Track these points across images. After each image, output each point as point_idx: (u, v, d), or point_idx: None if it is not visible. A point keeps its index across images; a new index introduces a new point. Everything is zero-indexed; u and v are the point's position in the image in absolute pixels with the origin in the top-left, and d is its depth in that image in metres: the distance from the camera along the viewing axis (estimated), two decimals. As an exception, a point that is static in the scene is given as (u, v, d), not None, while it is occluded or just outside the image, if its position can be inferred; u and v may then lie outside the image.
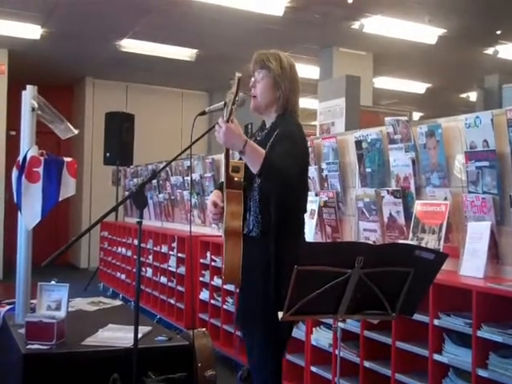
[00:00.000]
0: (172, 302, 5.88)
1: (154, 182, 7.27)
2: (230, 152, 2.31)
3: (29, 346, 2.82)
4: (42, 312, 3.04)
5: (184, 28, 7.65)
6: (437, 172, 3.16)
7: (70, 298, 3.14)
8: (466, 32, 7.51)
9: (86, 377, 2.76)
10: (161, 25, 7.56)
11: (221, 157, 3.88)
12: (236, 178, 2.34)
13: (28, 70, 9.23)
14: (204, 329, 3.64)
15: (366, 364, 3.13)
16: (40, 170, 3.35)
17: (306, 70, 8.50)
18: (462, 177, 3.04)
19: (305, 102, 9.75)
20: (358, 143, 3.70)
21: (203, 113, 2.31)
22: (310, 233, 3.92)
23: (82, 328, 3.17)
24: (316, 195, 4.06)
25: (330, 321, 3.26)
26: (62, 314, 3.01)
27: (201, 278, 5.20)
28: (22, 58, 8.96)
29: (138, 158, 8.71)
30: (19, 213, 3.41)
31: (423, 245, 3.04)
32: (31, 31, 7.83)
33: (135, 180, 8.25)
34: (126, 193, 8.58)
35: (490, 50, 8.20)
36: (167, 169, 6.77)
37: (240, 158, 2.32)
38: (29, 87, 3.51)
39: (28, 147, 3.43)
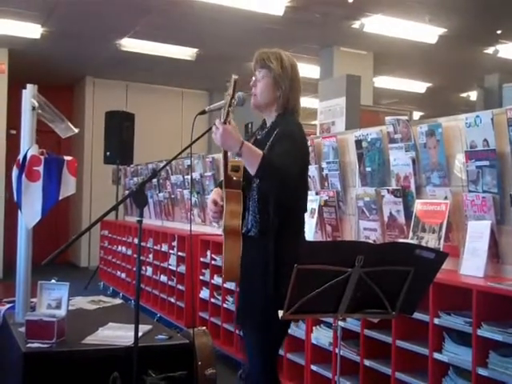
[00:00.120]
0: (172, 300, 5.88)
1: (155, 180, 7.27)
2: (229, 152, 2.32)
3: (29, 345, 2.82)
4: (42, 311, 3.03)
5: (184, 27, 7.65)
6: (437, 171, 3.16)
7: (70, 296, 3.13)
8: (466, 31, 7.51)
9: (87, 375, 2.76)
10: (161, 24, 7.56)
11: (221, 156, 3.89)
12: (235, 178, 2.35)
13: (28, 69, 9.23)
14: (204, 327, 3.64)
15: (366, 363, 3.13)
16: (40, 168, 3.35)
17: (307, 70, 8.49)
18: (462, 176, 3.04)
19: (305, 102, 9.73)
20: (359, 142, 3.70)
21: (203, 112, 2.32)
22: (311, 232, 3.92)
23: (83, 327, 3.16)
24: (316, 194, 4.06)
25: (330, 320, 3.27)
26: (62, 312, 3.00)
27: (201, 277, 5.20)
28: (23, 57, 8.96)
29: (138, 156, 8.71)
30: (19, 212, 3.41)
31: (423, 244, 3.05)
32: (31, 30, 7.83)
33: (135, 179, 8.25)
34: (126, 192, 8.57)
35: (490, 50, 8.20)
36: (167, 168, 6.77)
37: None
38: (29, 86, 3.51)
39: (28, 146, 3.42)
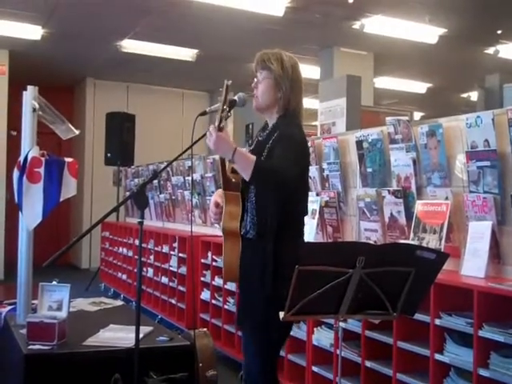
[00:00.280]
0: (173, 302, 5.88)
1: (155, 182, 7.27)
2: None
3: (30, 347, 2.82)
4: (44, 312, 3.04)
5: (184, 28, 7.65)
6: (438, 172, 3.16)
7: (71, 298, 3.14)
8: (466, 32, 7.51)
9: (88, 377, 2.76)
10: (161, 25, 7.56)
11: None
12: (234, 180, 2.36)
13: (29, 71, 9.23)
14: (205, 329, 3.64)
15: (368, 364, 3.13)
16: (41, 170, 3.35)
17: (307, 70, 8.45)
18: (462, 176, 3.04)
19: (306, 102, 9.54)
20: (359, 143, 3.70)
21: (204, 113, 2.32)
22: (311, 233, 3.92)
23: (84, 328, 3.17)
24: (317, 195, 4.06)
25: (331, 321, 3.27)
26: (63, 314, 3.00)
27: (202, 278, 5.20)
28: (23, 59, 8.97)
29: (139, 158, 8.71)
30: (20, 213, 3.41)
31: (424, 245, 3.04)
32: (32, 32, 7.84)
33: (136, 180, 8.25)
34: (127, 193, 8.58)
35: (490, 50, 8.20)
36: (168, 169, 6.77)
37: None
38: (30, 88, 3.51)
39: (29, 148, 3.43)
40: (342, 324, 2.13)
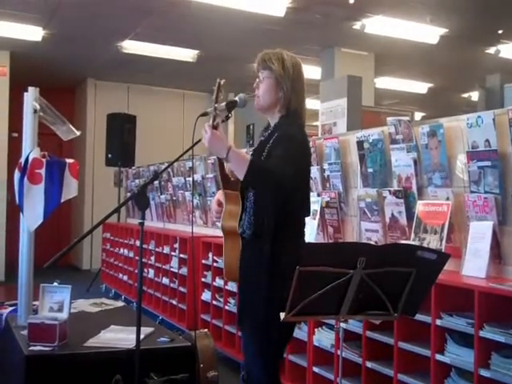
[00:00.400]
0: (174, 302, 5.88)
1: (156, 183, 7.27)
2: None
3: (31, 348, 2.82)
4: (44, 313, 3.03)
5: (185, 29, 7.66)
6: (439, 172, 3.16)
7: (72, 299, 3.13)
8: (467, 32, 7.50)
9: (89, 378, 2.76)
10: (162, 26, 7.57)
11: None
12: (232, 179, 2.36)
13: (30, 72, 9.24)
14: (206, 330, 3.64)
15: (368, 364, 3.12)
16: (42, 171, 3.35)
17: (308, 71, 8.44)
18: (463, 177, 3.04)
19: (307, 103, 9.72)
20: (360, 143, 3.70)
21: (205, 114, 2.32)
22: (312, 233, 3.92)
23: (85, 329, 3.17)
24: (318, 195, 4.06)
25: (332, 321, 3.26)
26: (64, 315, 3.00)
27: (203, 279, 5.20)
28: (24, 60, 8.97)
29: (140, 159, 8.72)
30: (21, 214, 3.41)
31: (425, 245, 3.04)
32: (33, 33, 7.84)
33: (137, 181, 8.25)
34: (128, 194, 8.58)
35: (491, 50, 8.20)
36: (169, 170, 6.77)
37: None
38: (31, 89, 3.51)
39: (30, 149, 3.43)
40: (342, 324, 2.13)
